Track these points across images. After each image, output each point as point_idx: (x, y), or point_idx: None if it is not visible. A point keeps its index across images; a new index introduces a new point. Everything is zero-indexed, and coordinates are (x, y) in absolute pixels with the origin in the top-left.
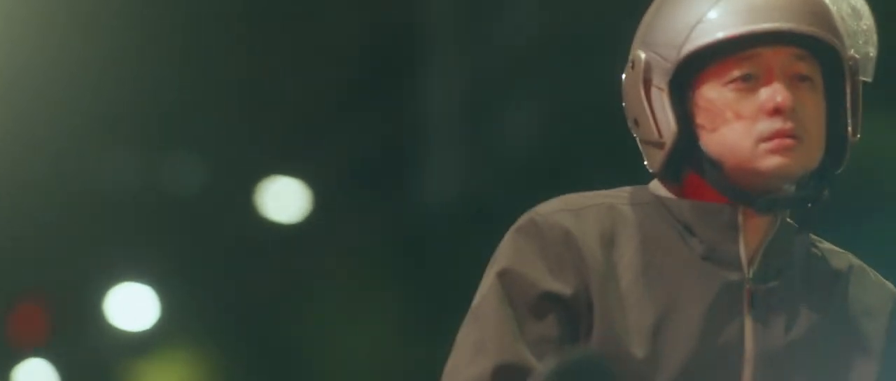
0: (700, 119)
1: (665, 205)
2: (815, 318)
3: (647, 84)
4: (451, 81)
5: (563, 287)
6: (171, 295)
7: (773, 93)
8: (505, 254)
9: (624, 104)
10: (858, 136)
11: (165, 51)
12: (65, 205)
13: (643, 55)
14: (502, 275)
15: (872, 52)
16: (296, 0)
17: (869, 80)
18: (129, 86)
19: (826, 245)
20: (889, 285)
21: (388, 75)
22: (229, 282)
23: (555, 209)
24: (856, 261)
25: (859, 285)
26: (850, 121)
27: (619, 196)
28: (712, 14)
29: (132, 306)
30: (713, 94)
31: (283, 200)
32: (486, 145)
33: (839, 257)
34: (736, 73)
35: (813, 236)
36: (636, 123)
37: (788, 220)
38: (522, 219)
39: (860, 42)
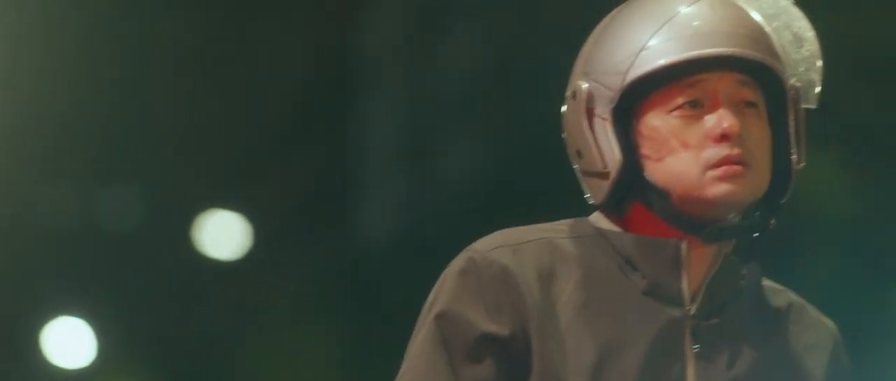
0: (645, 148)
1: (607, 238)
2: (757, 354)
3: (590, 114)
4: (392, 114)
5: (500, 328)
6: (109, 331)
7: (720, 119)
8: (442, 295)
9: (564, 136)
10: (802, 164)
11: (102, 84)
12: (1, 239)
13: (585, 85)
14: (439, 318)
15: (816, 78)
16: (235, 35)
17: (813, 106)
18: (66, 119)
19: (766, 282)
20: (828, 322)
21: (329, 108)
22: (168, 317)
23: (493, 246)
24: (796, 298)
25: (799, 323)
26: (794, 149)
27: (559, 230)
28: (655, 41)
29: (69, 343)
30: (658, 122)
31: (223, 235)
32: (429, 178)
33: (779, 294)
34: (680, 99)
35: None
36: (579, 154)
37: (731, 255)
38: (460, 257)
39: (801, 69)
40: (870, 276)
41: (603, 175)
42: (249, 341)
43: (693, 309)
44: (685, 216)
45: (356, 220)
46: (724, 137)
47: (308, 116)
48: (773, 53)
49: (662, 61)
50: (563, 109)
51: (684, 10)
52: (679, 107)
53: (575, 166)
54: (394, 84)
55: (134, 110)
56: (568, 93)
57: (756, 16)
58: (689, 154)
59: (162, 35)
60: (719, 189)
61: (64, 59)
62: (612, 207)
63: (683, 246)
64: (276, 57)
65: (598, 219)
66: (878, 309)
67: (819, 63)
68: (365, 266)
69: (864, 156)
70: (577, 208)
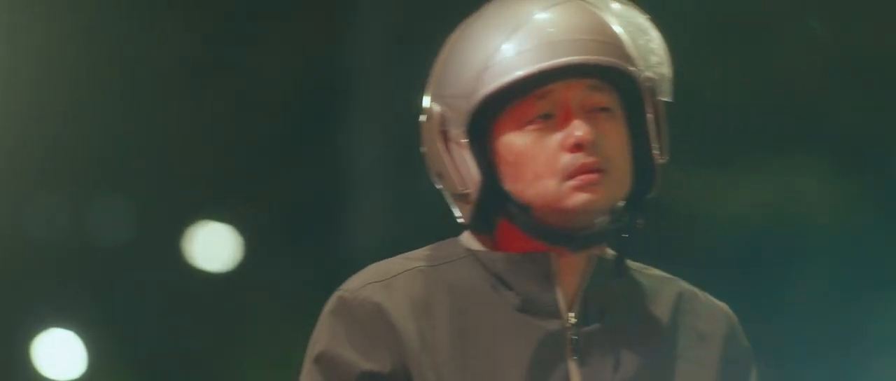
0: (503, 165)
1: (477, 259)
2: (645, 352)
3: (445, 137)
4: (382, 126)
5: (379, 366)
6: (100, 343)
7: (572, 128)
8: (319, 337)
9: (424, 153)
10: (666, 158)
11: (92, 96)
12: None
13: (437, 108)
14: (318, 361)
15: (667, 70)
16: (223, 48)
17: (668, 99)
18: (56, 131)
19: (654, 272)
20: (722, 306)
21: (319, 121)
22: (158, 329)
23: (363, 283)
24: (686, 286)
25: (690, 312)
26: (655, 144)
27: (432, 256)
28: (498, 58)
29: (59, 355)
30: (512, 138)
31: (213, 247)
32: (419, 190)
33: (668, 283)
34: (532, 113)
35: (639, 265)
36: (440, 176)
37: (605, 257)
38: (332, 298)
39: (654, 61)
40: (868, 283)
41: (464, 197)
42: (239, 352)
43: (572, 319)
44: (549, 228)
45: (346, 232)
46: (577, 147)
47: (298, 129)
48: (621, 52)
49: (505, 79)
50: (422, 127)
51: (524, 24)
52: (531, 121)
53: (438, 187)
54: (384, 96)
55: (123, 123)
56: (423, 117)
57: (605, 15)
58: (545, 167)
59: (152, 50)
60: (577, 198)
61: (56, 73)
62: (481, 226)
63: (553, 258)
64: (265, 70)
65: (468, 239)
66: (879, 317)
67: (665, 60)
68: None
69: (860, 162)
70: None
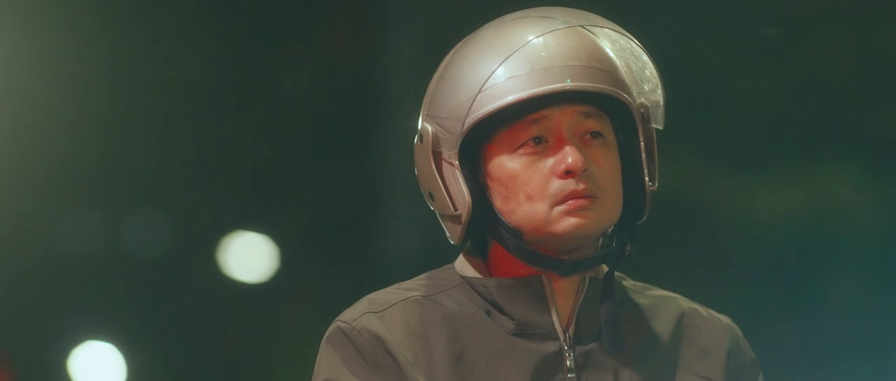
0: (494, 188)
1: (471, 286)
2: (645, 369)
3: (438, 157)
4: (415, 134)
5: None
6: (137, 355)
7: (564, 155)
8: (321, 367)
9: (417, 173)
10: (656, 185)
11: (127, 110)
12: (27, 264)
13: (430, 128)
14: None
15: (660, 97)
16: (256, 58)
17: (660, 127)
18: (92, 145)
19: (655, 292)
20: (724, 319)
21: (353, 132)
22: (195, 340)
23: (360, 313)
24: (687, 303)
25: (693, 327)
26: (646, 170)
27: (426, 285)
28: (492, 82)
29: (97, 367)
30: (504, 161)
31: (249, 258)
32: None
33: (669, 302)
34: (524, 137)
35: (641, 285)
36: (431, 196)
37: (599, 278)
38: (330, 329)
39: (647, 88)
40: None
41: (456, 218)
42: (275, 362)
43: (568, 339)
44: (539, 253)
45: (381, 242)
46: (568, 173)
47: (331, 139)
48: (616, 79)
49: (499, 103)
50: (415, 147)
51: (519, 48)
52: (524, 145)
53: (431, 208)
54: (418, 103)
55: (158, 137)
56: (416, 136)
57: (600, 42)
58: (536, 192)
59: (185, 63)
60: (567, 224)
61: (92, 88)
62: (473, 248)
63: (546, 281)
64: (298, 81)
65: (462, 266)
66: None
67: (658, 87)
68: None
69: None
70: None
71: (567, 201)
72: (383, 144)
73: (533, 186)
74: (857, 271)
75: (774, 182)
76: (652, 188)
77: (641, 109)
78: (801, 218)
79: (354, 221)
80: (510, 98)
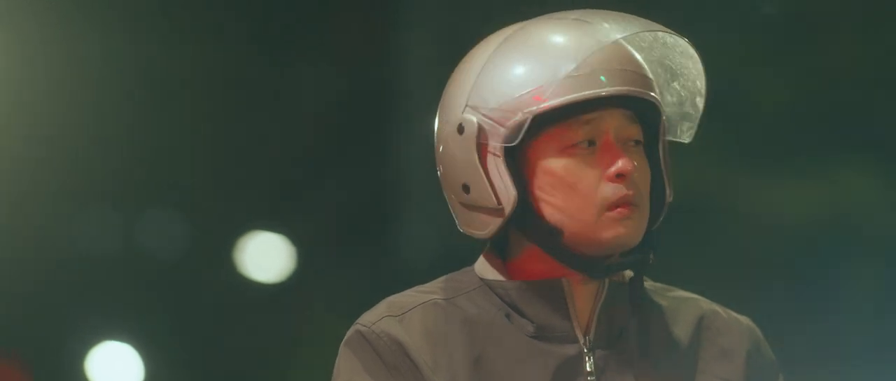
0: (537, 185)
1: (491, 288)
2: (665, 371)
3: (482, 149)
4: (433, 132)
5: None
6: (155, 355)
7: (616, 157)
8: (341, 371)
9: (440, 169)
10: (671, 197)
11: (145, 110)
12: (44, 265)
13: (475, 119)
14: None
15: (694, 113)
16: (271, 58)
17: (686, 142)
18: (111, 146)
19: (676, 293)
20: (743, 320)
21: (371, 130)
22: (212, 341)
23: (379, 317)
24: (707, 305)
25: (712, 329)
26: (667, 182)
27: (446, 288)
28: (548, 77)
29: (114, 368)
30: (552, 159)
31: (267, 258)
32: None
33: (689, 304)
34: (575, 138)
35: (661, 286)
36: (466, 189)
37: (617, 280)
38: (349, 333)
39: (674, 102)
40: None
41: (495, 211)
42: (293, 362)
43: (588, 342)
44: (574, 254)
45: (400, 242)
46: (620, 177)
47: (349, 138)
48: (654, 89)
49: (561, 99)
50: (443, 142)
51: (576, 49)
52: (574, 145)
53: (452, 198)
54: (435, 102)
55: (178, 137)
56: (449, 127)
57: (634, 52)
58: (584, 194)
59: (203, 61)
60: (614, 231)
61: (107, 87)
62: (491, 248)
63: (567, 284)
64: (315, 80)
65: (482, 268)
66: None
67: (699, 100)
68: (409, 288)
69: None
70: None
71: (616, 207)
72: (401, 144)
73: (582, 189)
74: (877, 271)
75: (793, 182)
76: (670, 199)
77: (665, 123)
78: (820, 218)
79: (372, 220)
80: (572, 96)
